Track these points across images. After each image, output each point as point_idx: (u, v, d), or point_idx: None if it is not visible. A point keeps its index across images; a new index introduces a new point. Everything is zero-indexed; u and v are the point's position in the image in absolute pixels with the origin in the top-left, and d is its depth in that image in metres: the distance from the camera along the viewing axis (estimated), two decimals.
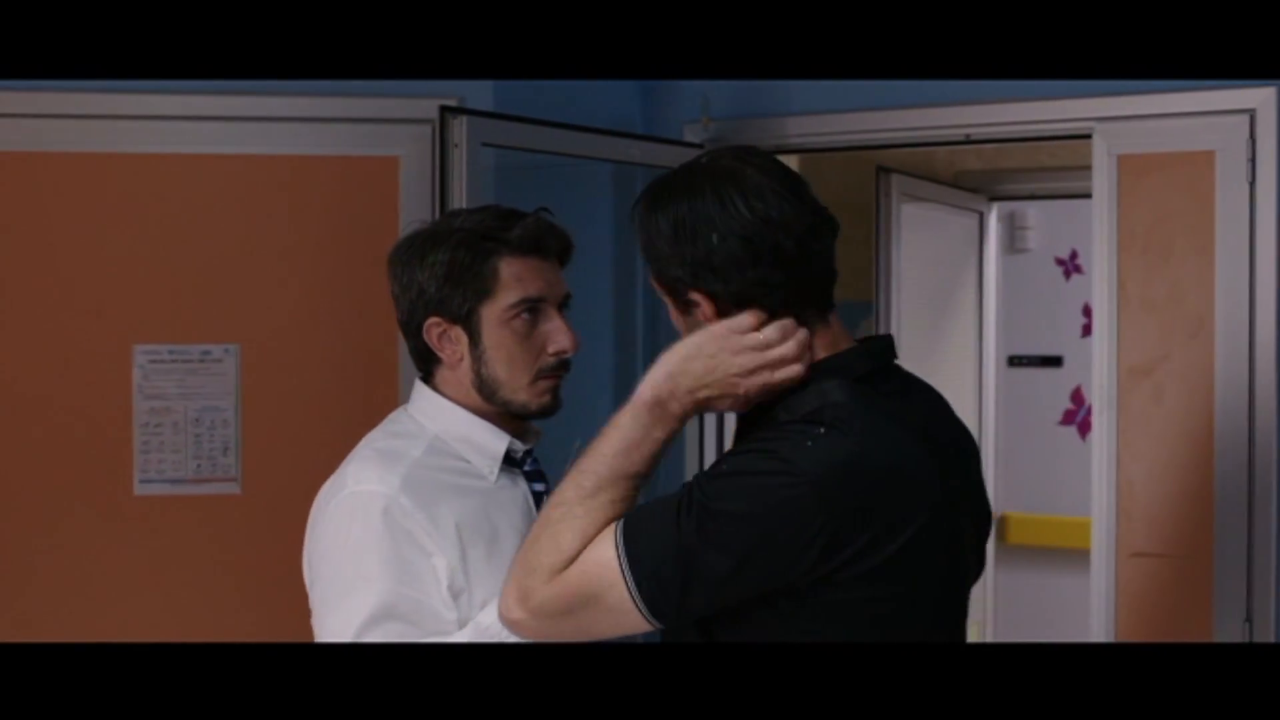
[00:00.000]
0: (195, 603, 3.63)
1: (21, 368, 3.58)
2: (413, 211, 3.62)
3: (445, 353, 2.29)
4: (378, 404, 3.62)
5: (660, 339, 4.22)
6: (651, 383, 2.01)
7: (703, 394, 2.00)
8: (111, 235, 3.62)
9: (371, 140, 3.68)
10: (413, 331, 2.30)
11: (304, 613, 3.51)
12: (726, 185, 2.00)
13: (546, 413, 2.32)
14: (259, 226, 3.68)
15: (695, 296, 2.01)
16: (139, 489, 3.62)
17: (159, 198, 3.64)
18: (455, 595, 2.19)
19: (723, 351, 1.99)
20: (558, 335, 2.29)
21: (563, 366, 2.31)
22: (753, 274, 1.98)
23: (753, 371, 1.98)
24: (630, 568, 1.93)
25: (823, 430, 1.92)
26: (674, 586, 1.93)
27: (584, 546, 1.97)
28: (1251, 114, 3.42)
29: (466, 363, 2.28)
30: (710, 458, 4.05)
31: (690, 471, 4.15)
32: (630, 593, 1.94)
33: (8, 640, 3.48)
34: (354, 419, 3.63)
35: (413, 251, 2.29)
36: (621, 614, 1.96)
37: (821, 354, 2.03)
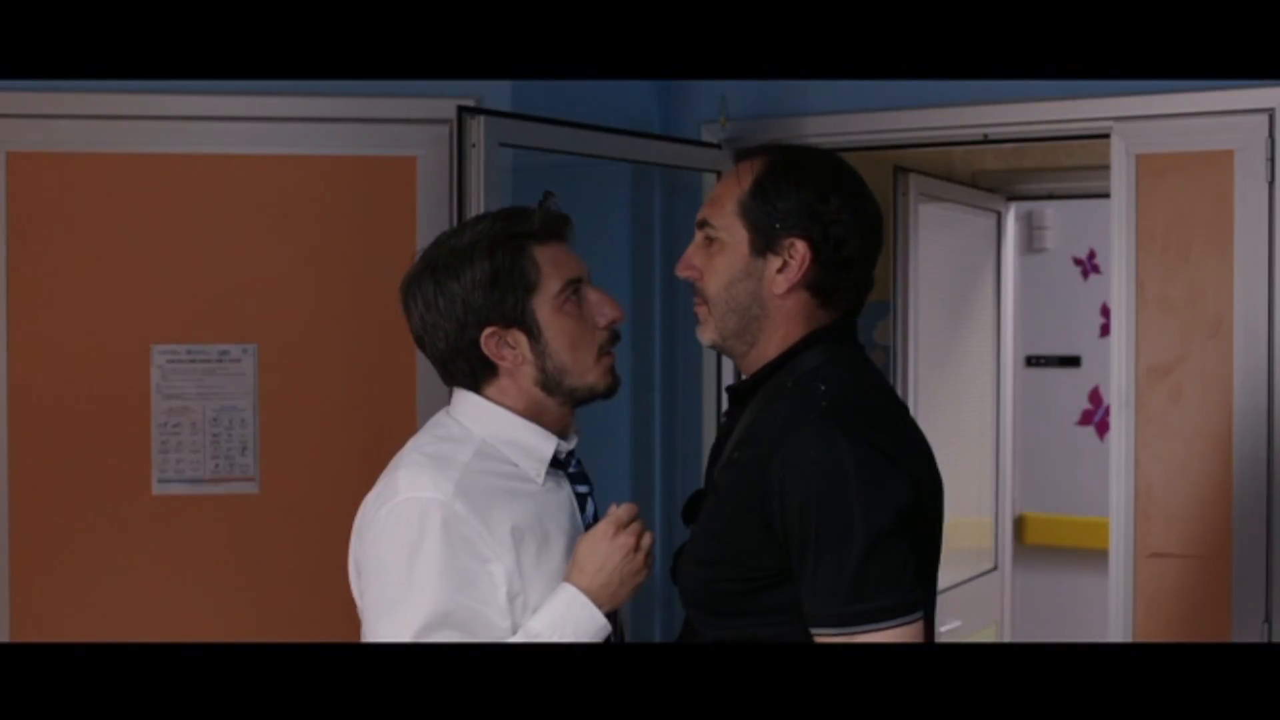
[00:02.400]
0: (213, 602, 3.64)
1: (40, 367, 3.59)
2: (430, 211, 3.63)
3: (506, 359, 2.27)
4: (396, 404, 3.65)
5: (676, 336, 4.22)
6: None
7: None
8: (129, 235, 3.63)
9: (389, 140, 3.68)
10: (465, 349, 2.26)
11: (321, 612, 3.53)
12: (849, 171, 2.29)
13: (612, 390, 2.34)
14: (277, 226, 3.69)
15: (797, 245, 2.21)
16: (157, 489, 3.63)
17: (176, 198, 3.65)
18: (511, 599, 2.19)
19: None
20: (604, 307, 2.32)
21: (615, 338, 2.34)
22: (853, 245, 2.24)
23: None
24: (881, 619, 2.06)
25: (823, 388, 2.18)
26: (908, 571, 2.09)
27: None
28: (1271, 113, 3.41)
29: (529, 362, 2.27)
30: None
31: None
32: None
33: (26, 638, 3.51)
34: (372, 419, 3.67)
35: (441, 273, 2.25)
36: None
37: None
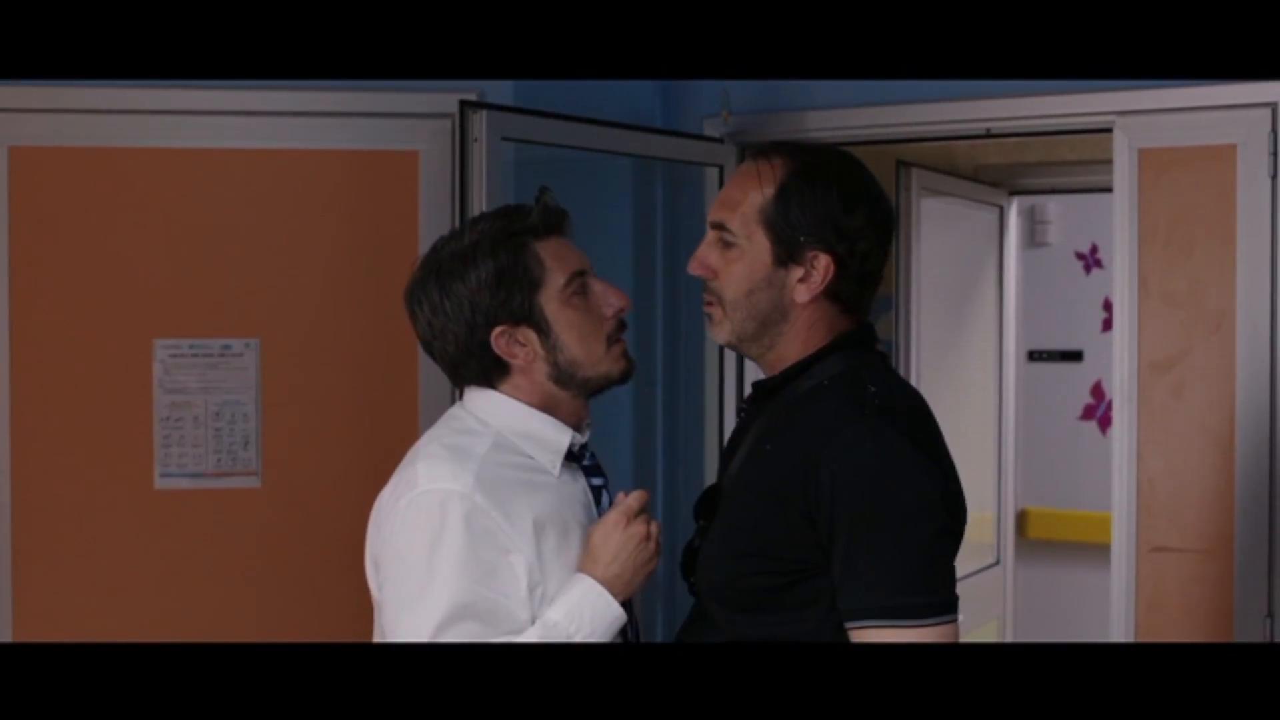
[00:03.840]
0: (215, 596, 3.64)
1: (43, 362, 3.59)
2: (433, 206, 3.63)
3: (518, 357, 2.27)
4: (397, 398, 3.65)
5: (679, 330, 4.22)
6: None
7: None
8: (132, 230, 3.63)
9: (391, 135, 3.68)
10: (475, 350, 2.26)
11: (324, 606, 3.54)
12: (867, 175, 2.26)
13: (627, 375, 2.34)
14: (279, 221, 3.69)
15: (820, 259, 2.19)
16: (159, 483, 3.63)
17: (179, 192, 3.65)
18: (531, 590, 2.19)
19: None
20: (610, 296, 2.31)
21: (622, 326, 2.33)
22: (876, 259, 2.25)
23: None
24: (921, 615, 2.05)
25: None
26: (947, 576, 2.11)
27: None
28: (1273, 107, 3.40)
29: (540, 358, 2.27)
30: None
31: (711, 453, 4.15)
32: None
33: (29, 631, 3.51)
34: (374, 413, 3.68)
35: (445, 276, 2.25)
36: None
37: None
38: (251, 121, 3.66)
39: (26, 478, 3.58)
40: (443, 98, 3.59)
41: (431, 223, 3.57)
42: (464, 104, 3.45)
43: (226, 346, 3.66)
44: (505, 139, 3.49)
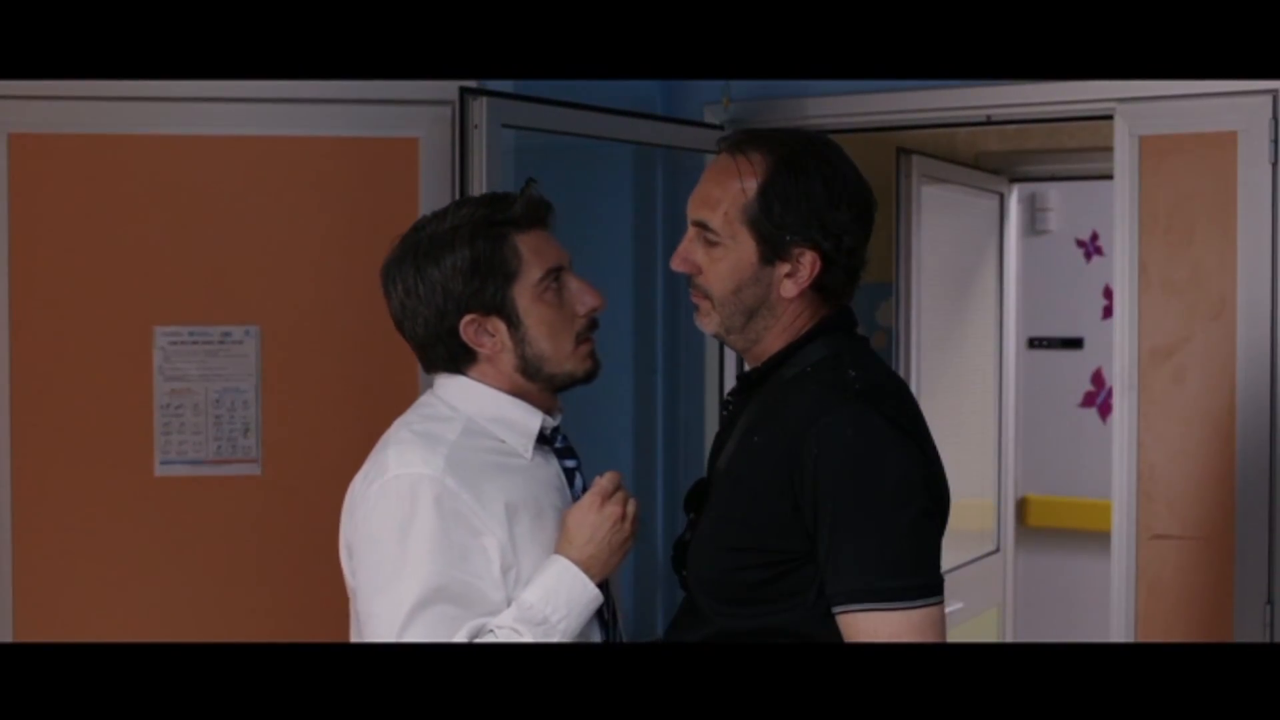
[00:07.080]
0: (215, 583, 3.64)
1: (43, 349, 3.59)
2: (432, 193, 3.63)
3: (486, 346, 2.28)
4: (397, 384, 3.64)
5: (679, 318, 4.22)
6: None
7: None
8: (131, 217, 3.63)
9: (391, 122, 3.68)
10: (444, 335, 2.27)
11: (324, 594, 3.53)
12: (846, 162, 2.26)
13: (592, 375, 2.34)
14: (279, 208, 3.69)
15: (806, 255, 2.19)
16: (159, 470, 3.63)
17: (178, 179, 3.64)
18: (504, 572, 2.20)
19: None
20: (585, 295, 2.32)
21: (593, 325, 2.34)
22: (861, 250, 2.24)
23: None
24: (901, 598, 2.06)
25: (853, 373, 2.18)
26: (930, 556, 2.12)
27: None
28: (1274, 94, 3.40)
29: (507, 350, 2.28)
30: None
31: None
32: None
33: (30, 619, 3.52)
34: (374, 400, 3.67)
35: (421, 259, 2.26)
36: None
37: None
38: (251, 108, 3.65)
39: (26, 466, 3.58)
40: (443, 84, 3.58)
41: (431, 210, 3.55)
42: (464, 90, 3.45)
43: (226, 334, 3.66)
44: (505, 126, 3.48)
